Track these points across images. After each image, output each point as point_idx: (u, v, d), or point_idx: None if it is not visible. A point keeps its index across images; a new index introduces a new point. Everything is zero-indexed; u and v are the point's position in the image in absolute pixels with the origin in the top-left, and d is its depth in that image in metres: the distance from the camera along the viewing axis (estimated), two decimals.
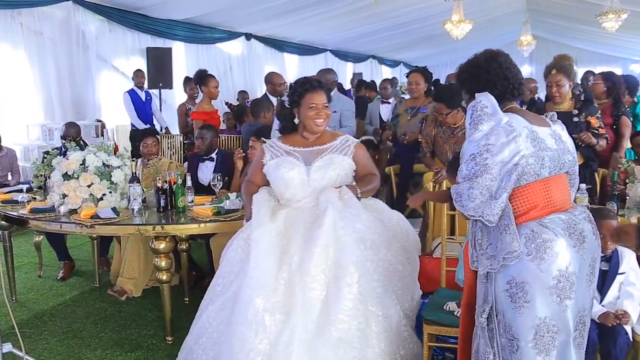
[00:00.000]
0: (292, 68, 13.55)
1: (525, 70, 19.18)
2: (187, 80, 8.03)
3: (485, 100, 1.97)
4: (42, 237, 4.71)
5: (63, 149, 4.43)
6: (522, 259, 1.95)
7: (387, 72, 18.50)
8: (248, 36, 11.37)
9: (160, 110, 8.44)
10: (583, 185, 3.46)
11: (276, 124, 3.33)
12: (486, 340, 2.05)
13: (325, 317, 2.52)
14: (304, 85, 2.94)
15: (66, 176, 3.55)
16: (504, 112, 1.99)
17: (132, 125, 7.71)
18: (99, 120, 7.84)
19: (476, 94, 2.02)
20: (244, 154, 4.36)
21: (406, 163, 5.04)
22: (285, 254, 2.66)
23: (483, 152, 1.93)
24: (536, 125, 2.02)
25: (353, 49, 15.68)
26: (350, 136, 3.08)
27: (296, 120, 2.99)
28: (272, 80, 5.89)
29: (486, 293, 2.05)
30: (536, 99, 5.77)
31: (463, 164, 2.01)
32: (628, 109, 5.14)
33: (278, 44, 12.56)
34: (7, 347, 2.57)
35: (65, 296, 4.33)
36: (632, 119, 5.02)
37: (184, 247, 4.07)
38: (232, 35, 10.93)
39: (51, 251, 4.82)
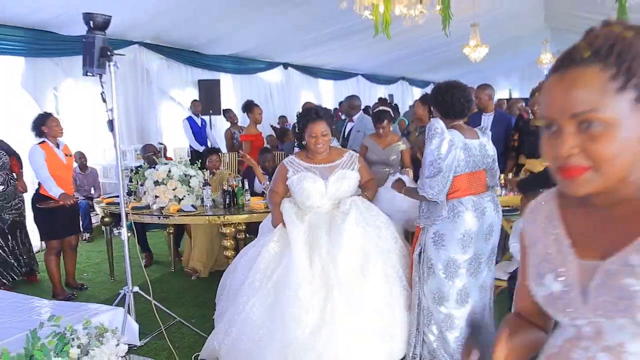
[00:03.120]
0: (327, 92, 14.79)
1: None
2: (226, 110, 9.58)
3: (437, 123, 3.13)
4: (130, 234, 6.02)
5: (146, 164, 5.74)
6: (444, 220, 3.13)
7: (417, 93, 19.53)
8: (285, 65, 12.70)
9: None
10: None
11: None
12: (416, 268, 3.26)
13: (359, 294, 3.17)
14: (306, 117, 3.50)
15: (156, 182, 4.85)
16: (449, 128, 3.15)
17: (190, 146, 9.07)
18: (160, 143, 9.24)
19: (432, 119, 3.19)
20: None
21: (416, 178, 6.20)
22: (313, 248, 3.27)
23: (437, 159, 3.08)
24: (469, 139, 3.18)
25: (383, 72, 16.74)
26: (352, 151, 3.77)
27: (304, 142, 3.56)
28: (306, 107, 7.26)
29: (421, 239, 3.25)
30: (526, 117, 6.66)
31: (425, 167, 3.14)
32: None
33: (313, 71, 13.85)
34: (136, 288, 3.86)
35: (151, 277, 5.58)
36: None
37: (242, 236, 5.32)
38: (271, 65, 12.26)
39: (135, 246, 6.14)
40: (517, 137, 5.52)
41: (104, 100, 3.63)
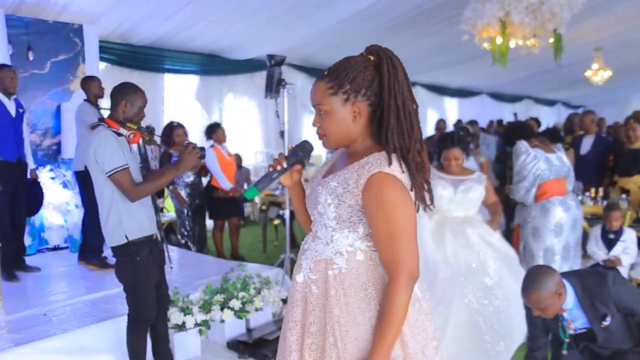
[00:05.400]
0: (452, 110, 15.61)
1: None
2: None
3: (521, 144, 4.18)
4: (279, 222, 7.45)
5: None
6: (536, 217, 4.12)
7: (545, 112, 19.68)
8: (413, 84, 13.77)
9: None
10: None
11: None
12: (522, 256, 4.23)
13: (480, 280, 3.57)
14: (443, 143, 3.93)
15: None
16: (532, 147, 4.18)
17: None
18: None
19: (517, 141, 4.22)
20: None
21: None
22: (440, 244, 3.67)
23: (522, 169, 4.14)
24: (548, 153, 4.17)
25: (508, 91, 17.07)
26: (481, 173, 4.03)
27: None
28: (439, 125, 8.50)
29: (522, 235, 4.25)
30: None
31: (514, 176, 4.20)
32: None
33: (439, 89, 14.77)
34: (292, 255, 5.19)
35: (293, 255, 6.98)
36: None
37: None
38: None
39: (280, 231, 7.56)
40: (613, 157, 6.25)
41: (278, 116, 4.98)
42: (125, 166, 3.03)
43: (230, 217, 6.80)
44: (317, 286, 1.75)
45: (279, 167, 1.83)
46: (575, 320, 2.77)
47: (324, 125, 1.72)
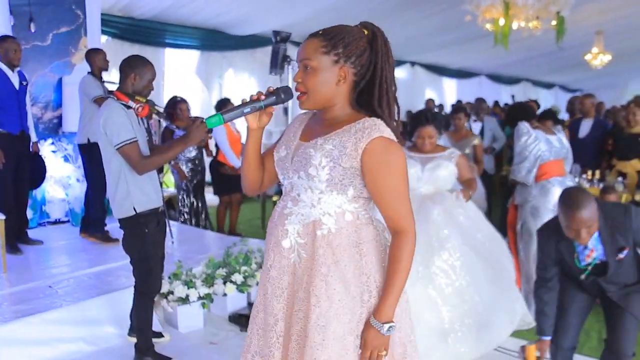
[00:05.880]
0: (450, 91, 15.61)
1: None
2: None
3: (523, 125, 4.22)
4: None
5: None
6: (537, 197, 4.17)
7: (543, 95, 19.56)
8: (413, 63, 13.76)
9: None
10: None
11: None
12: (520, 239, 4.30)
13: (439, 257, 3.52)
14: (415, 121, 3.87)
15: None
16: (533, 128, 4.21)
17: None
18: None
19: (519, 122, 4.26)
20: None
21: None
22: None
23: (523, 150, 4.18)
24: (548, 135, 4.22)
25: (507, 73, 17.05)
26: (455, 150, 3.96)
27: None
28: (428, 105, 8.45)
29: (520, 214, 4.31)
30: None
31: (515, 157, 4.25)
32: None
33: (438, 70, 14.75)
34: None
35: None
36: None
37: None
38: (400, 63, 13.28)
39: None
40: (612, 141, 6.28)
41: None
42: (134, 139, 3.06)
43: (234, 192, 6.81)
44: (306, 250, 1.76)
45: (255, 99, 1.78)
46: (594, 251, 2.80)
47: (307, 81, 1.72)
